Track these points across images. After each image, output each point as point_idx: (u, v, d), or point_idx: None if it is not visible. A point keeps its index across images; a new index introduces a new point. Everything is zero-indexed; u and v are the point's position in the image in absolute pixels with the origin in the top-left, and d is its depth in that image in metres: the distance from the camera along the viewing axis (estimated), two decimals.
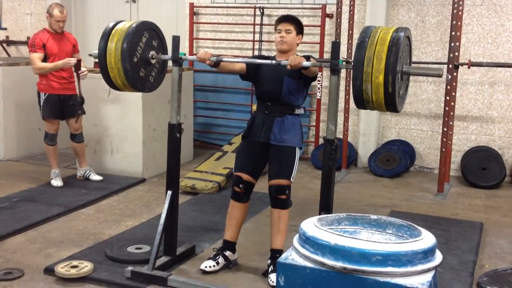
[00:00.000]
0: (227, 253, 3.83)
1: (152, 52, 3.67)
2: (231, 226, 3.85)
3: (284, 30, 3.70)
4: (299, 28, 3.77)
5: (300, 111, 3.78)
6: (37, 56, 5.41)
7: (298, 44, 3.81)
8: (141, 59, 3.59)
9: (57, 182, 5.66)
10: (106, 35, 3.54)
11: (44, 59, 5.44)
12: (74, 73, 5.52)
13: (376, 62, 2.91)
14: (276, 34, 3.74)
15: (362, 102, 3.05)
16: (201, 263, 3.80)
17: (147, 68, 3.67)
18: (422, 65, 6.34)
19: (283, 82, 3.68)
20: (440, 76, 3.14)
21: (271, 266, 3.67)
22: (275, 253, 3.68)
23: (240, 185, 3.76)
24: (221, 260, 3.80)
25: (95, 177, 5.86)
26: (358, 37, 3.06)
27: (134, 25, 3.56)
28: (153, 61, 3.69)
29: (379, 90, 2.94)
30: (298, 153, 3.75)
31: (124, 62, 3.47)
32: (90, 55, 3.80)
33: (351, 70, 3.05)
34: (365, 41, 2.98)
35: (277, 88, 3.69)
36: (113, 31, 3.54)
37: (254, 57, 4.11)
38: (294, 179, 3.73)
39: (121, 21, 3.64)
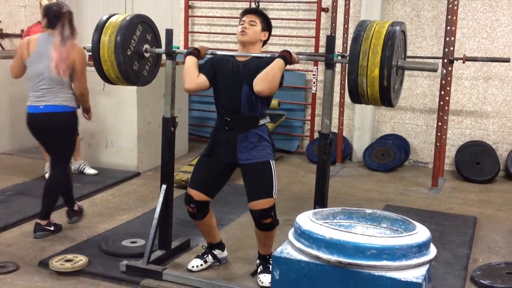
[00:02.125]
0: (216, 251, 3.75)
1: (146, 46, 3.64)
2: (205, 235, 3.74)
3: (248, 22, 3.39)
4: (266, 24, 3.45)
5: (265, 120, 3.46)
6: None
7: (264, 43, 3.49)
8: (134, 53, 3.57)
9: None
10: (100, 28, 3.51)
11: None
12: None
13: (372, 56, 2.90)
14: (239, 25, 3.43)
15: (357, 96, 3.04)
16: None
17: (140, 62, 3.65)
18: (417, 60, 6.34)
19: (242, 91, 3.34)
20: (435, 70, 3.14)
21: (260, 266, 3.58)
22: (264, 255, 3.59)
23: (191, 205, 3.53)
24: (209, 258, 3.71)
25: (89, 171, 5.85)
26: (353, 31, 3.05)
27: (128, 18, 3.53)
28: (147, 55, 3.66)
29: (374, 84, 2.93)
30: (273, 165, 3.43)
31: (117, 55, 3.45)
32: (84, 48, 3.78)
33: (347, 65, 3.04)
34: (361, 34, 2.97)
35: (235, 100, 3.37)
36: (107, 24, 3.52)
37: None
38: (277, 194, 3.42)
39: (114, 14, 3.61)
